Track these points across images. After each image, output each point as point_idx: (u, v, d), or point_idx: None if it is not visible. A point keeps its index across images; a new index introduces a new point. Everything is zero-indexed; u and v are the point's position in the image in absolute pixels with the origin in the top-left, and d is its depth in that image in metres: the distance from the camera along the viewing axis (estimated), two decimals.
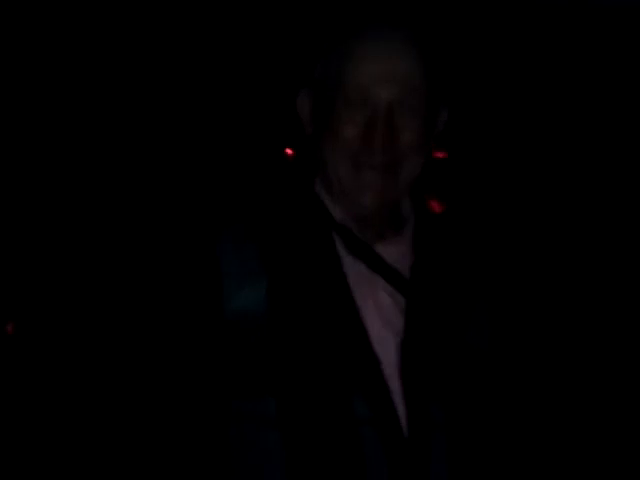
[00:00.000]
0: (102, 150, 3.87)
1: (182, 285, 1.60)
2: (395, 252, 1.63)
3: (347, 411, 1.54)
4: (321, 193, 1.68)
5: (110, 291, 3.72)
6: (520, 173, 3.87)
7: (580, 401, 3.52)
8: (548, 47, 3.88)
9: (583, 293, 3.70)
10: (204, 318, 1.58)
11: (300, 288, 1.57)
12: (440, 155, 3.62)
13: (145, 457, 1.66)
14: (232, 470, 1.59)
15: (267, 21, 3.86)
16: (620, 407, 3.54)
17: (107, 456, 3.42)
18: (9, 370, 3.55)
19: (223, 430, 1.59)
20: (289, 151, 3.91)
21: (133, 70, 3.88)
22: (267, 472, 1.55)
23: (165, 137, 3.89)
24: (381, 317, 1.60)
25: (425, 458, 1.57)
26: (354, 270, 1.61)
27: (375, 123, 1.57)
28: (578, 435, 3.47)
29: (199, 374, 1.59)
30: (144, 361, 1.66)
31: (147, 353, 1.65)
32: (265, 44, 3.91)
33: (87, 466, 3.45)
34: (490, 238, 3.57)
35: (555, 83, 3.90)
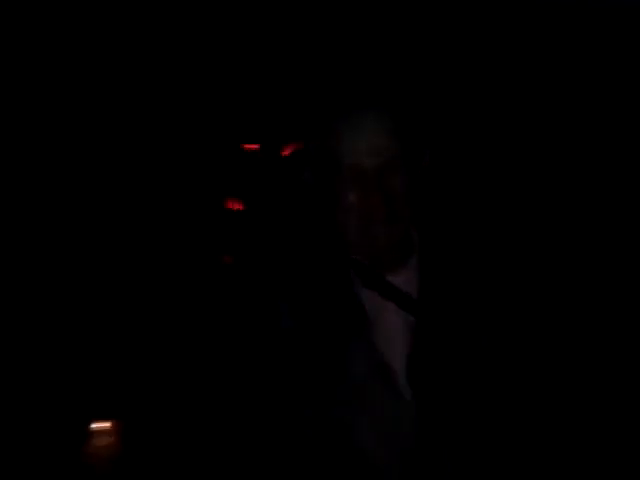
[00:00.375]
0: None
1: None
2: (403, 279, 1.95)
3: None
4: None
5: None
6: (521, 176, 3.88)
7: (580, 400, 3.53)
8: (548, 47, 3.88)
9: (583, 293, 3.71)
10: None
11: (322, 316, 1.93)
12: None
13: None
14: None
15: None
16: (620, 405, 3.54)
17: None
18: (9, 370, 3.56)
19: None
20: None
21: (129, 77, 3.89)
22: None
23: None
24: (391, 336, 1.91)
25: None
26: (369, 298, 1.94)
27: (368, 188, 1.89)
28: (578, 434, 3.48)
29: None
30: None
31: None
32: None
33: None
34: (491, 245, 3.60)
35: (555, 83, 3.90)
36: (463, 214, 3.70)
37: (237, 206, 3.86)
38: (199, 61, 3.95)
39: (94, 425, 3.50)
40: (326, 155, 1.91)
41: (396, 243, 1.92)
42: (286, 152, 3.82)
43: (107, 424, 3.42)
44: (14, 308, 3.71)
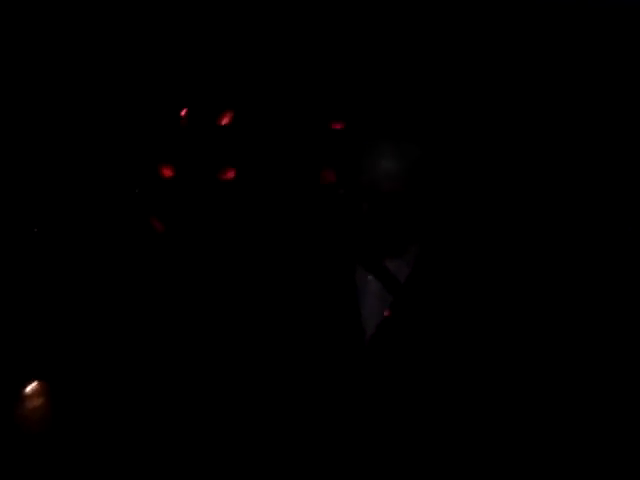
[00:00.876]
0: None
1: None
2: (397, 264, 2.28)
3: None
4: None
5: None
6: (519, 175, 3.87)
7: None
8: (547, 47, 3.86)
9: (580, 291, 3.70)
10: None
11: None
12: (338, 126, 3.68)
13: None
14: None
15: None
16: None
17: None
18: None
19: None
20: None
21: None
22: None
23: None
24: (374, 310, 2.25)
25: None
26: (363, 278, 2.30)
27: (379, 199, 2.24)
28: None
29: None
30: None
31: None
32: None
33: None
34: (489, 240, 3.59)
35: (554, 83, 3.89)
36: (461, 215, 3.71)
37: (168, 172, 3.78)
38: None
39: (25, 387, 3.49)
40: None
41: (397, 237, 2.25)
42: (224, 121, 3.75)
43: (37, 385, 3.40)
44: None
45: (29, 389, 3.16)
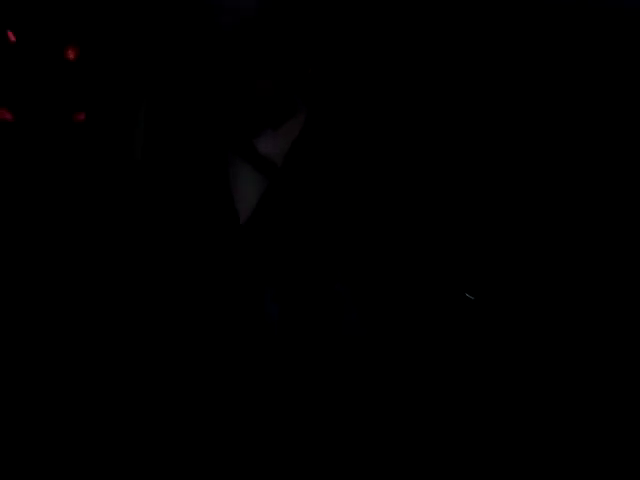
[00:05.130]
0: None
1: None
2: (271, 145, 2.05)
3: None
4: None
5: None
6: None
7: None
8: (547, 47, 3.78)
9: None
10: None
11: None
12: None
13: None
14: None
15: None
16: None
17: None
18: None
19: None
20: None
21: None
22: None
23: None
24: (246, 193, 2.04)
25: None
26: (236, 160, 2.07)
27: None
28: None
29: None
30: None
31: None
32: None
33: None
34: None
35: (554, 83, 3.79)
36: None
37: None
38: None
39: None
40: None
41: (269, 105, 2.02)
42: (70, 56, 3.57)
43: None
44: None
45: None
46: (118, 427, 3.39)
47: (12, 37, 3.34)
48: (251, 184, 2.00)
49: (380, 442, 1.94)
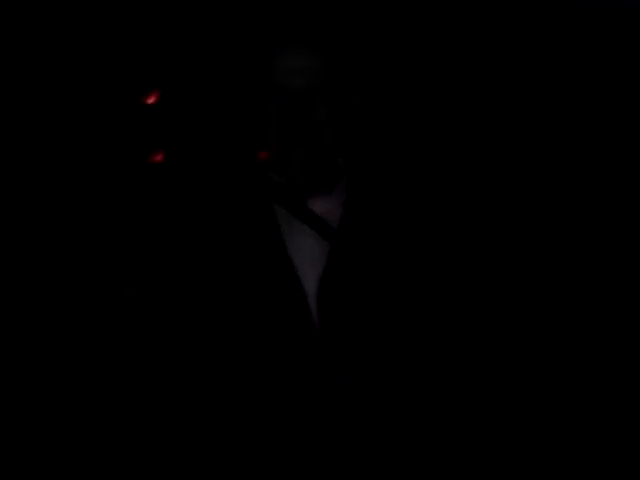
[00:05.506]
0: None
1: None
2: (325, 207, 2.03)
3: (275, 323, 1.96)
4: (271, 172, 2.08)
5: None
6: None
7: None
8: (547, 47, 3.89)
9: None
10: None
11: (241, 241, 2.01)
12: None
13: None
14: None
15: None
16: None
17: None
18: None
19: None
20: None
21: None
22: None
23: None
24: (310, 261, 2.00)
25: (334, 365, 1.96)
26: (290, 225, 2.02)
27: (293, 109, 1.99)
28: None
29: None
30: None
31: None
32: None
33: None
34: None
35: (554, 83, 3.92)
36: (391, 153, 3.66)
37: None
38: None
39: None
40: (262, 81, 2.03)
41: (316, 169, 2.02)
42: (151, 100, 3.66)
43: None
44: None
45: None
46: (128, 427, 3.42)
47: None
48: (311, 246, 1.99)
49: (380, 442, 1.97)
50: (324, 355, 1.96)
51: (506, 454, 3.30)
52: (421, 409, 2.02)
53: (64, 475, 3.42)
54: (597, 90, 3.84)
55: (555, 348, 3.63)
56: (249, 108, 2.11)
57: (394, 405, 1.99)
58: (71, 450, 3.45)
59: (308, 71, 2.00)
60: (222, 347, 1.98)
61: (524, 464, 3.37)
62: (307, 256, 2.00)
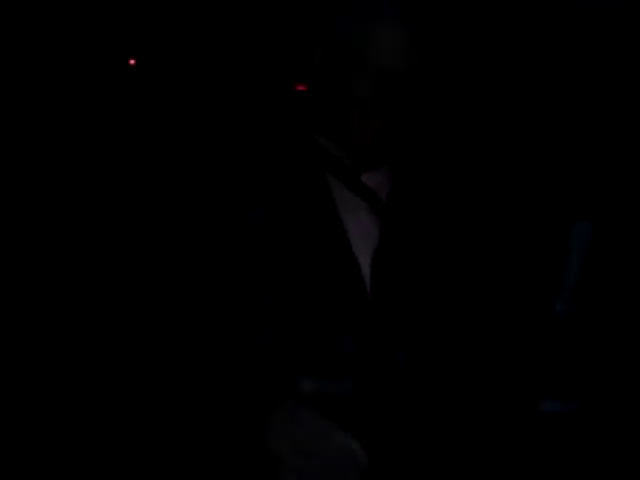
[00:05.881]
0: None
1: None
2: (374, 181, 1.98)
3: (328, 299, 1.89)
4: (317, 135, 1.99)
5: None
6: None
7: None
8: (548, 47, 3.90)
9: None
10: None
11: (295, 209, 1.92)
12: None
13: None
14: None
15: None
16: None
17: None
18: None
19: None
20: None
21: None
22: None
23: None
24: (362, 234, 1.94)
25: (387, 339, 1.90)
26: (342, 195, 1.95)
27: (386, 90, 1.88)
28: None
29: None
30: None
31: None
32: None
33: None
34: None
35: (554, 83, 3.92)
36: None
37: None
38: None
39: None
40: (348, 38, 1.90)
41: (381, 148, 1.95)
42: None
43: None
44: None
45: None
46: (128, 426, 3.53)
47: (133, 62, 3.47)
48: (363, 220, 1.94)
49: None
50: (377, 328, 1.91)
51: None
52: (469, 393, 1.98)
53: (64, 475, 3.41)
54: (598, 90, 3.85)
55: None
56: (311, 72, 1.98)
57: (444, 385, 1.95)
58: (71, 450, 3.44)
59: (411, 56, 1.89)
60: (274, 315, 1.88)
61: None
62: (359, 229, 1.94)
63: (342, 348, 1.87)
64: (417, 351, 1.92)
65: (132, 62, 3.55)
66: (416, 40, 1.89)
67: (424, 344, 1.93)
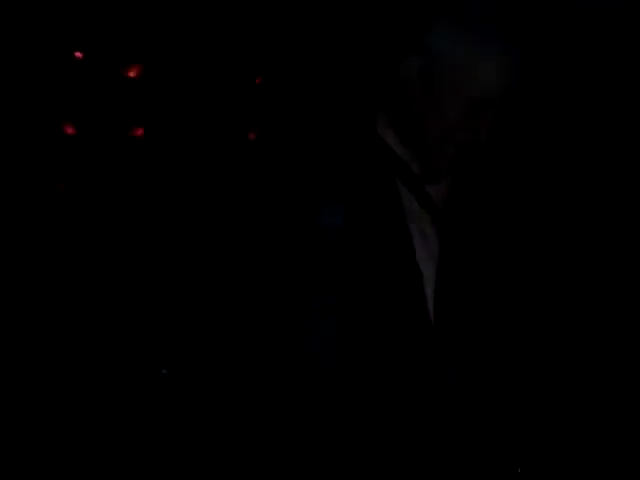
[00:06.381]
0: None
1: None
2: (438, 191, 1.96)
3: (392, 306, 1.88)
4: (387, 136, 1.96)
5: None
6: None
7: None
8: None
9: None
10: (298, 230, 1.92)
11: (368, 217, 1.89)
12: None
13: None
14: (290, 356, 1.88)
15: None
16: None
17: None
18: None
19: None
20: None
21: None
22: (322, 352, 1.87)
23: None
24: (424, 245, 1.93)
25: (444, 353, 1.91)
26: (409, 203, 1.94)
27: (477, 115, 1.87)
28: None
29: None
30: None
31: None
32: None
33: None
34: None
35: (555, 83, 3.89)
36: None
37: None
38: None
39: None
40: (448, 60, 1.86)
41: (449, 163, 1.94)
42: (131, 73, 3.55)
43: None
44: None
45: None
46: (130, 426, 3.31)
47: (79, 55, 3.37)
48: (427, 227, 1.93)
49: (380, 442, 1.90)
50: (436, 349, 1.90)
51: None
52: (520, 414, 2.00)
53: (63, 475, 3.33)
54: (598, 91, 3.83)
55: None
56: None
57: (496, 406, 1.95)
58: (70, 450, 3.35)
59: (509, 86, 1.88)
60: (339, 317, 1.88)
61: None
62: (423, 241, 1.92)
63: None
64: (470, 367, 1.92)
65: (79, 55, 3.43)
66: (517, 71, 1.87)
67: (478, 360, 1.93)
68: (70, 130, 3.36)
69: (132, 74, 3.39)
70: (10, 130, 3.48)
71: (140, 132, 3.41)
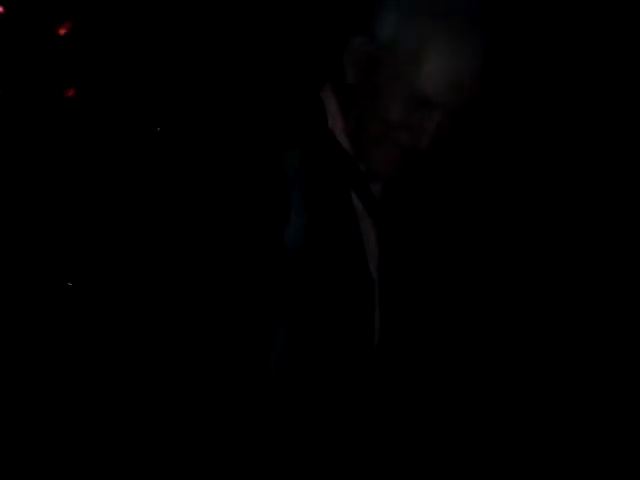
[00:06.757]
0: None
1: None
2: (376, 190, 1.85)
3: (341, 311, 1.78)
4: (336, 127, 1.81)
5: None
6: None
7: None
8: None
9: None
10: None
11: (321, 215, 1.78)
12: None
13: None
14: None
15: None
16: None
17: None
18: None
19: None
20: None
21: None
22: None
23: None
24: (368, 244, 1.84)
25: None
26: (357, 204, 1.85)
27: (423, 121, 1.70)
28: None
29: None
30: None
31: None
32: None
33: None
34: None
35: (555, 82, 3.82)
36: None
37: None
38: None
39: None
40: (395, 49, 1.68)
41: (390, 163, 1.79)
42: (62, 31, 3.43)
43: None
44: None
45: None
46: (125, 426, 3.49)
47: (1, 10, 3.28)
48: (367, 226, 1.86)
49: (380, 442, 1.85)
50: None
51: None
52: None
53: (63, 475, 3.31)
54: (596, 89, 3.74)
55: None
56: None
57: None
58: (70, 450, 3.32)
59: (464, 88, 1.68)
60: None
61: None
62: (367, 240, 1.84)
63: None
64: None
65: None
66: (474, 74, 1.67)
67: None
68: None
69: (62, 32, 3.27)
70: None
71: (72, 93, 3.28)
